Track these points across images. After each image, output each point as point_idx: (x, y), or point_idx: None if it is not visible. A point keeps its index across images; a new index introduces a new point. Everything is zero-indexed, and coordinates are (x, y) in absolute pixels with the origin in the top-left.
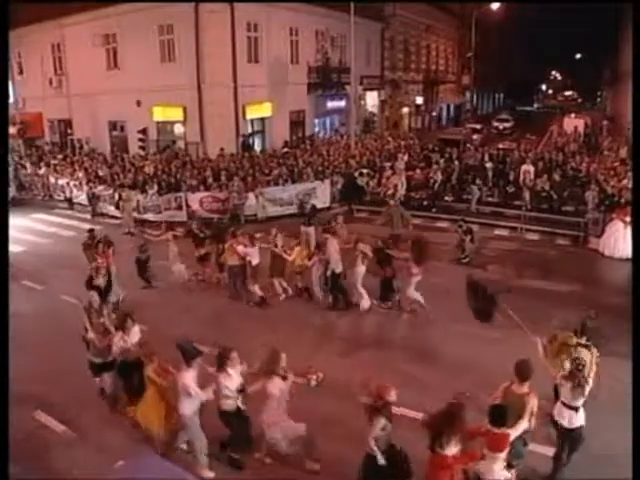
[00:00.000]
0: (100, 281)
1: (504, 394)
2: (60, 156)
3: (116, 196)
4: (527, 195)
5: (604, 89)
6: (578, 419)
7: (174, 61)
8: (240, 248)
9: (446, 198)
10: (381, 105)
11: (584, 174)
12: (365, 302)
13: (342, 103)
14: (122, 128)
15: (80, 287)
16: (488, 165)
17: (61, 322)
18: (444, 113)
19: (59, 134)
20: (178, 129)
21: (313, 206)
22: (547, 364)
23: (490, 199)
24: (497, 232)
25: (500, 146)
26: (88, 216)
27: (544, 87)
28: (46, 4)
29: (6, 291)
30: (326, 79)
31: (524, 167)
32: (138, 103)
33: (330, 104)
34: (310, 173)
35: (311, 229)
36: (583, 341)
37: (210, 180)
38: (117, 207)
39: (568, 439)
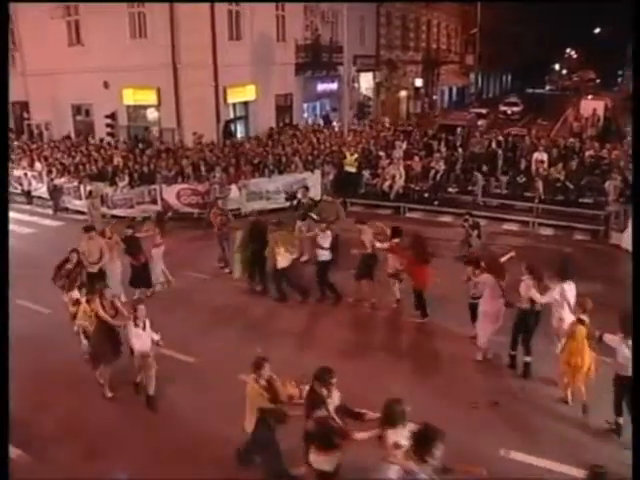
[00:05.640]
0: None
1: None
2: (16, 143)
3: (82, 189)
4: (540, 186)
5: (626, 68)
6: None
7: (146, 37)
8: None
9: (449, 190)
10: (376, 88)
11: (605, 162)
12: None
13: (334, 86)
14: (87, 112)
15: (40, 290)
16: (499, 152)
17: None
18: (446, 97)
19: (14, 118)
20: (151, 114)
21: (311, 199)
22: None
23: (498, 190)
24: (506, 227)
25: (509, 131)
26: (50, 211)
27: (557, 67)
28: None
29: (6, 293)
30: (316, 59)
31: (536, 155)
32: (105, 84)
33: (320, 87)
34: (298, 163)
35: (307, 224)
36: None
37: (188, 171)
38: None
39: None
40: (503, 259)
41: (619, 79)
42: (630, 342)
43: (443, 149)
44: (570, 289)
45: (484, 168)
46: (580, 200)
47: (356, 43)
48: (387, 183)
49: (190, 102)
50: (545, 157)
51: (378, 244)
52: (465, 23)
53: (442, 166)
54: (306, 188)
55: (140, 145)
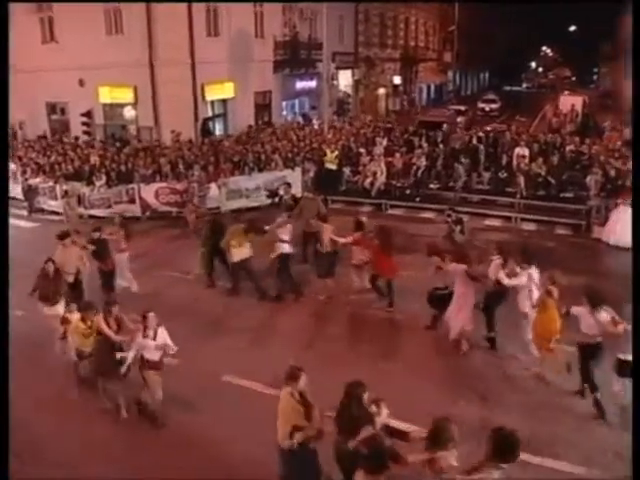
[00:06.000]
0: None
1: None
2: None
3: (57, 189)
4: (522, 181)
5: (601, 65)
6: None
7: (122, 34)
8: None
9: (431, 186)
10: (355, 85)
11: (585, 157)
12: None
13: (313, 83)
14: (62, 111)
15: (14, 292)
16: (480, 148)
17: None
18: (424, 94)
19: None
20: (128, 112)
21: (293, 197)
22: None
23: (480, 186)
24: (488, 222)
25: (489, 128)
26: (24, 212)
27: (534, 65)
28: None
29: (6, 294)
30: (295, 56)
31: (518, 150)
32: (81, 82)
33: (299, 84)
34: (278, 160)
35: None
36: None
37: (166, 169)
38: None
39: None
40: None
41: (594, 76)
42: (598, 314)
43: (424, 145)
44: (536, 274)
45: (463, 159)
46: (561, 195)
47: (335, 40)
48: (368, 180)
49: (167, 100)
50: (527, 152)
51: (342, 240)
52: (443, 21)
53: (423, 162)
54: (288, 185)
55: (117, 143)
